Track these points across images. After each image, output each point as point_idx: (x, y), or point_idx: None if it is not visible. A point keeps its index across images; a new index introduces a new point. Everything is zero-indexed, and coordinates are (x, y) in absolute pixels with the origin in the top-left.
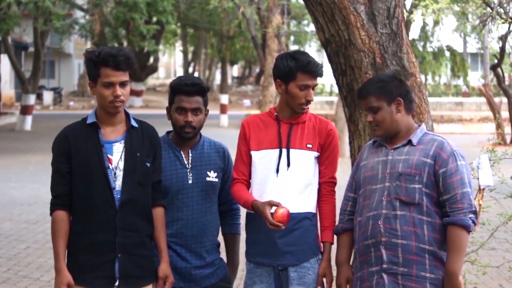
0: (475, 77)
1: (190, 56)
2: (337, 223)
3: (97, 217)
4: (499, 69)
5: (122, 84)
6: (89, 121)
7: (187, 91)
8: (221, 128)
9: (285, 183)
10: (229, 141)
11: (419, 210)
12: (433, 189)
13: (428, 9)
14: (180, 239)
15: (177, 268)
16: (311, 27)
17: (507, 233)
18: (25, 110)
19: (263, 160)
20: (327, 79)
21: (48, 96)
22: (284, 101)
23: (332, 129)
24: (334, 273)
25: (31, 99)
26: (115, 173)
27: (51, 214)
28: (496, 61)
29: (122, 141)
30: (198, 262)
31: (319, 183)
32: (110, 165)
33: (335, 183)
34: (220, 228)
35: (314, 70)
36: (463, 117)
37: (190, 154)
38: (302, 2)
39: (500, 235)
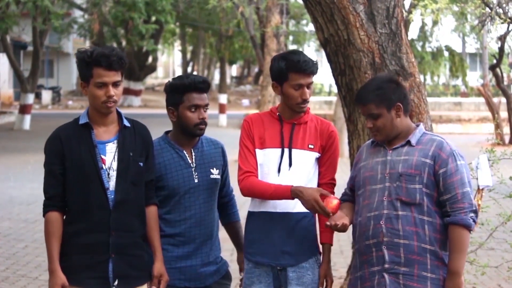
0: (474, 77)
1: (188, 55)
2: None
3: (91, 217)
4: (498, 69)
5: (115, 84)
6: (81, 121)
7: (201, 88)
8: (220, 128)
9: (287, 182)
10: (228, 140)
11: (420, 210)
12: (433, 189)
13: (427, 9)
14: (189, 238)
15: (182, 268)
16: (310, 27)
17: (506, 233)
18: (24, 109)
19: (265, 159)
20: (326, 79)
21: (46, 96)
22: (283, 102)
23: (333, 130)
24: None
25: (30, 98)
26: (108, 174)
27: (44, 215)
28: (495, 61)
29: (115, 141)
30: (204, 259)
31: (319, 184)
32: (103, 165)
33: (334, 185)
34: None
35: (304, 69)
36: (461, 117)
37: (193, 153)
38: (301, 2)
39: (499, 235)
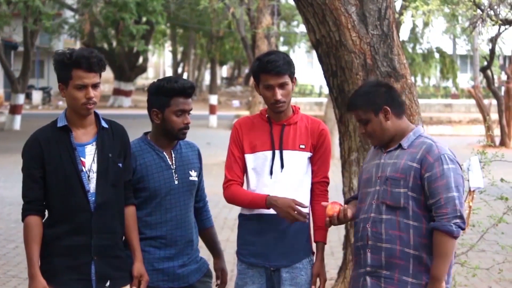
0: (465, 79)
1: (179, 56)
2: None
3: (73, 220)
4: (488, 71)
5: (94, 86)
6: (59, 124)
7: (188, 93)
8: (210, 129)
9: (280, 184)
10: (218, 141)
11: (405, 215)
12: (420, 193)
13: (418, 11)
14: (170, 240)
15: (164, 269)
16: (301, 28)
17: (497, 235)
18: (14, 109)
19: (257, 162)
20: (317, 80)
21: (37, 96)
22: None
23: (324, 129)
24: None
25: (20, 98)
26: (88, 176)
27: (23, 219)
28: (485, 63)
29: (94, 143)
30: (185, 260)
31: (312, 183)
32: (83, 168)
33: (327, 183)
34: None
35: (270, 69)
36: (452, 119)
37: (173, 155)
38: (292, 3)
39: (490, 237)
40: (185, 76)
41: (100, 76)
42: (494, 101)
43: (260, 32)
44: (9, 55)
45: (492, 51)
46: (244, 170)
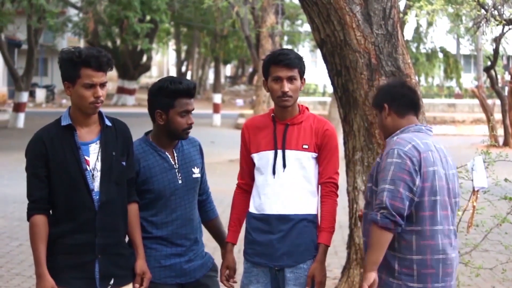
0: (468, 79)
1: (183, 55)
2: None
3: (77, 219)
4: (492, 71)
5: (102, 85)
6: (63, 123)
7: (192, 94)
8: (214, 128)
9: (282, 184)
10: (222, 140)
11: (370, 209)
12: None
13: (422, 10)
14: (176, 239)
15: (172, 266)
16: (305, 27)
17: (501, 235)
18: (18, 107)
19: (261, 162)
20: (321, 79)
21: (41, 94)
22: (272, 99)
23: (328, 129)
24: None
25: (24, 96)
26: (93, 175)
27: (28, 219)
28: (489, 63)
29: (98, 142)
30: (191, 255)
31: (319, 184)
32: (87, 166)
33: (334, 184)
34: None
35: (281, 60)
36: (455, 119)
37: (175, 154)
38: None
39: (494, 237)
40: (189, 74)
41: (106, 75)
42: (497, 101)
43: (264, 31)
44: (13, 53)
45: (496, 51)
46: (252, 170)
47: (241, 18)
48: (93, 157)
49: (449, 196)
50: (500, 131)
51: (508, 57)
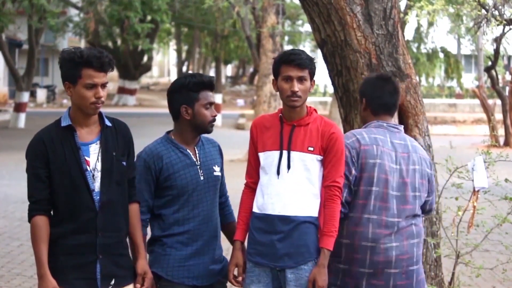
0: (469, 79)
1: (184, 55)
2: None
3: (78, 219)
4: (493, 71)
5: (102, 86)
6: (63, 124)
7: (213, 87)
8: (215, 128)
9: (286, 185)
10: (223, 140)
11: None
12: None
13: (423, 11)
14: (197, 235)
15: (191, 266)
16: (306, 27)
17: (501, 235)
18: (19, 107)
19: (267, 161)
20: (321, 80)
21: (41, 94)
22: (281, 99)
23: (334, 132)
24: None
25: (25, 96)
26: (93, 175)
27: (30, 220)
28: (490, 63)
29: (98, 142)
30: (212, 257)
31: (324, 187)
32: (88, 167)
33: (338, 187)
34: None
35: (292, 59)
36: (456, 119)
37: (196, 152)
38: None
39: (494, 237)
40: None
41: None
42: (498, 101)
43: (265, 31)
44: (14, 53)
45: (497, 51)
46: (259, 169)
47: (242, 18)
48: (93, 157)
49: (392, 189)
50: (500, 131)
51: (509, 57)
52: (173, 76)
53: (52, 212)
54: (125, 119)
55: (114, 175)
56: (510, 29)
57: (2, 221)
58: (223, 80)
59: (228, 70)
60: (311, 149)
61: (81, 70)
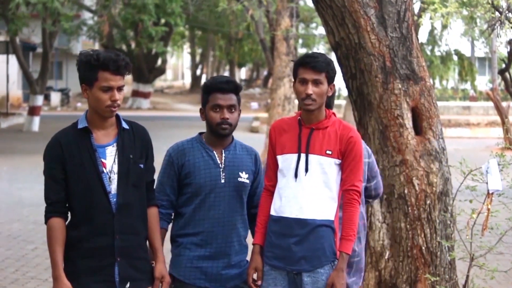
0: (483, 82)
1: (198, 58)
2: None
3: (95, 222)
4: (507, 74)
5: (119, 89)
6: (80, 126)
7: (223, 88)
8: None
9: (303, 188)
10: None
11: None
12: None
13: (437, 13)
14: (210, 237)
15: (204, 268)
16: (320, 30)
17: None
18: (33, 111)
19: (285, 164)
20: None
21: (55, 97)
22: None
23: (353, 136)
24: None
25: (39, 100)
26: (109, 177)
27: (46, 222)
28: (504, 65)
29: (115, 144)
30: (226, 261)
31: (342, 191)
32: (104, 169)
33: (357, 191)
34: (249, 231)
35: (307, 62)
36: (470, 121)
37: (223, 154)
38: (311, 5)
39: (508, 239)
40: (203, 77)
41: (124, 79)
42: None
43: (279, 34)
44: (28, 56)
45: (510, 53)
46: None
47: (256, 21)
48: (109, 159)
49: None
50: None
51: None
52: (187, 80)
53: (69, 215)
54: (139, 122)
55: (130, 178)
56: None
57: (16, 224)
58: None
59: (242, 73)
60: (329, 152)
61: (97, 73)
